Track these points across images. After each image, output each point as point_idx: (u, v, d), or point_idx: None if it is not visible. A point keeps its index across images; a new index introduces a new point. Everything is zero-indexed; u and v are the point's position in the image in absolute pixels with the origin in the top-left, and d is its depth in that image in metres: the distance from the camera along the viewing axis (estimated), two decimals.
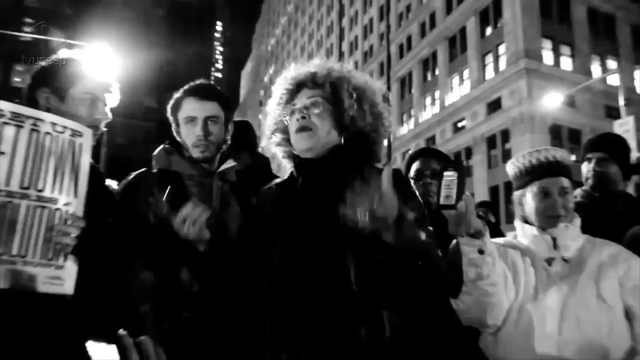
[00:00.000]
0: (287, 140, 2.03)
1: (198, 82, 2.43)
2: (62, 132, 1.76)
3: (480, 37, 37.77)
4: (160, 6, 35.35)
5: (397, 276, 1.61)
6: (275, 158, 2.49)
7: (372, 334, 1.70)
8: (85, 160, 1.82)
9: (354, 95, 1.92)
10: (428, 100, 43.58)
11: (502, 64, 35.29)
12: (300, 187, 1.93)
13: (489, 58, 36.88)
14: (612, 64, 35.72)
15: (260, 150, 3.04)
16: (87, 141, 1.84)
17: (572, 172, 2.30)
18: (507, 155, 31.74)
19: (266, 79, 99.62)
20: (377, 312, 1.76)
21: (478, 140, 36.11)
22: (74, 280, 1.74)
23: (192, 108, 2.33)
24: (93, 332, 2.01)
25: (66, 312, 1.85)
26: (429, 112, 43.16)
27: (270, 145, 2.12)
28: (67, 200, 1.75)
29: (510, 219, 24.55)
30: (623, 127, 16.24)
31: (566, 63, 35.18)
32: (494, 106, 35.30)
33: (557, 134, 32.58)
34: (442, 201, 1.84)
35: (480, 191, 33.58)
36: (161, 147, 2.42)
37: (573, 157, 2.40)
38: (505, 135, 33.84)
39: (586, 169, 3.20)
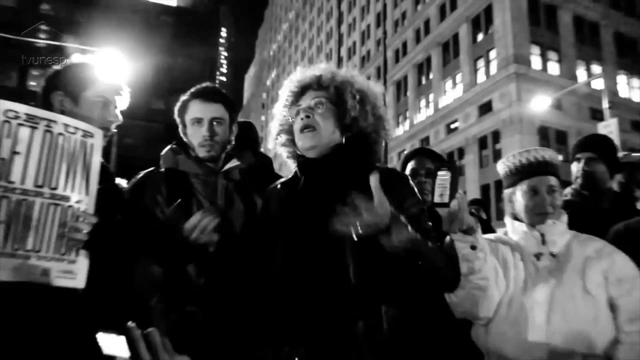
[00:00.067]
0: (291, 141, 2.03)
1: (204, 85, 2.43)
2: (74, 133, 1.76)
3: (472, 43, 37.78)
4: (167, 14, 35.30)
5: (394, 273, 1.61)
6: (277, 157, 2.50)
7: (370, 328, 1.70)
8: (96, 160, 1.82)
9: (357, 97, 1.92)
10: (422, 102, 43.56)
11: (493, 68, 35.30)
12: (303, 186, 1.93)
13: (481, 63, 36.88)
14: (596, 68, 35.79)
15: (262, 150, 3.04)
16: (98, 142, 1.84)
17: (560, 171, 2.31)
18: (497, 156, 31.80)
19: (268, 82, 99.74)
20: (375, 307, 1.76)
21: (470, 141, 36.12)
22: (85, 274, 1.74)
23: (199, 110, 2.33)
24: (103, 323, 2.01)
25: (78, 305, 1.85)
26: (424, 114, 43.15)
27: (276, 145, 2.12)
28: (79, 197, 1.75)
29: (500, 216, 24.54)
30: (607, 128, 16.24)
31: (553, 68, 35.20)
32: (485, 109, 35.30)
33: (545, 135, 32.58)
34: (436, 199, 1.84)
35: (472, 189, 33.61)
36: (168, 147, 2.42)
37: (560, 157, 2.39)
38: (496, 136, 33.84)
39: (575, 168, 3.22)
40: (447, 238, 1.98)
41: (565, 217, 2.22)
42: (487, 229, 3.18)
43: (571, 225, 2.26)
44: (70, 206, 1.72)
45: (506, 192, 2.35)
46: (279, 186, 2.06)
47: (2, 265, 1.57)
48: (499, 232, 2.45)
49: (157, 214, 2.20)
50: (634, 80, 38.45)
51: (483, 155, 35.31)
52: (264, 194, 2.14)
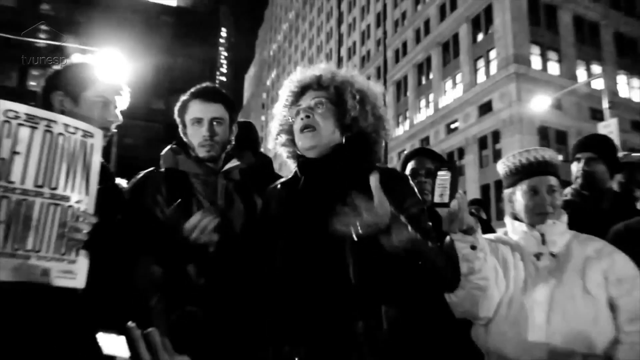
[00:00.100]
0: (291, 141, 2.02)
1: (204, 85, 2.43)
2: (74, 133, 1.76)
3: (472, 43, 37.77)
4: (167, 14, 35.30)
5: (394, 273, 1.61)
6: (277, 157, 2.49)
7: (370, 328, 1.70)
8: (96, 160, 1.82)
9: (357, 97, 1.91)
10: (422, 102, 43.57)
11: (493, 68, 35.30)
12: (303, 185, 1.92)
13: (481, 63, 36.88)
14: (596, 68, 35.78)
15: (262, 150, 3.04)
16: (97, 142, 1.84)
17: (560, 171, 2.31)
18: (497, 156, 31.79)
19: (268, 82, 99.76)
20: (375, 307, 1.76)
21: (470, 141, 36.12)
22: (85, 274, 1.75)
23: (199, 110, 2.33)
24: (103, 323, 2.00)
25: (78, 305, 1.85)
26: (424, 114, 43.15)
27: (276, 145, 2.12)
28: (79, 197, 1.75)
29: (500, 216, 24.52)
30: (607, 128, 16.24)
31: (553, 68, 35.19)
32: (485, 108, 35.30)
33: (545, 135, 32.58)
34: (436, 199, 1.84)
35: (472, 189, 33.62)
36: (168, 147, 2.42)
37: (560, 157, 2.40)
38: (496, 136, 33.84)
39: (576, 168, 3.23)
40: (447, 238, 1.98)
41: (565, 217, 2.22)
42: (487, 229, 3.19)
43: (571, 225, 2.26)
44: (70, 206, 1.72)
45: (506, 192, 2.35)
46: (279, 186, 2.06)
47: (2, 265, 1.57)
48: (499, 232, 2.45)
49: (157, 214, 2.20)
50: (634, 80, 38.44)
51: (483, 155, 35.31)
52: (264, 193, 2.14)
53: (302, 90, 2.00)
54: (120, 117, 2.19)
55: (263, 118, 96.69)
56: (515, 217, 2.31)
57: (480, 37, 37.21)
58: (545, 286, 2.06)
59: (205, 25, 36.94)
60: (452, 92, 39.60)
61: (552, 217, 2.17)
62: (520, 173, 2.26)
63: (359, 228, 1.50)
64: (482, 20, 36.85)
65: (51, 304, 1.77)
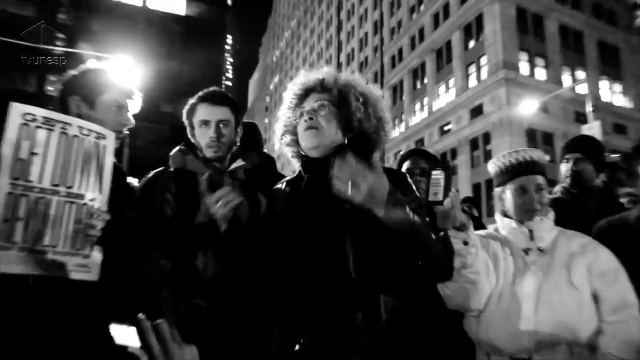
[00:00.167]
0: (296, 142, 2.02)
1: (211, 89, 2.42)
2: (88, 135, 1.77)
3: (464, 50, 37.74)
4: (177, 22, 35.27)
5: (391, 257, 1.59)
6: (279, 157, 2.48)
7: (369, 318, 1.69)
8: (109, 160, 1.82)
9: (361, 99, 1.90)
10: (417, 106, 43.53)
11: (484, 73, 35.26)
12: (306, 184, 1.92)
13: (472, 68, 36.84)
14: (580, 74, 35.71)
15: (265, 150, 3.03)
16: (110, 143, 1.84)
17: (547, 170, 2.31)
18: (488, 156, 31.78)
19: (272, 86, 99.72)
20: (373, 298, 1.75)
21: (462, 142, 36.11)
22: (99, 268, 1.75)
23: (206, 112, 2.32)
24: (116, 315, 2.01)
25: (92, 297, 1.85)
26: (418, 116, 43.12)
27: (281, 145, 2.11)
28: (93, 196, 1.75)
29: (491, 213, 24.61)
30: (590, 130, 16.20)
31: (540, 73, 35.17)
32: (477, 112, 35.27)
33: (533, 136, 32.56)
34: (430, 198, 1.84)
35: (464, 188, 33.59)
36: (177, 148, 2.41)
37: (547, 158, 2.40)
38: (487, 137, 33.82)
39: (565, 168, 3.27)
40: (440, 234, 1.98)
41: (552, 214, 2.23)
42: (479, 225, 3.19)
43: (561, 221, 2.26)
44: (84, 204, 1.73)
45: (496, 190, 2.35)
46: (284, 185, 2.06)
47: (22, 260, 1.57)
48: (490, 229, 2.45)
49: (166, 210, 2.20)
50: (616, 85, 38.49)
51: (474, 156, 35.28)
52: (270, 192, 2.14)
53: (306, 92, 1.99)
54: (133, 120, 2.19)
55: (266, 120, 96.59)
56: (505, 214, 2.31)
57: (471, 44, 37.19)
58: (533, 279, 2.06)
59: (212, 33, 36.89)
60: (445, 96, 39.56)
61: (540, 214, 2.17)
62: (509, 172, 2.26)
63: (358, 191, 1.47)
64: (474, 29, 36.84)
65: (67, 296, 1.77)
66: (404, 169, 3.13)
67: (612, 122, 34.87)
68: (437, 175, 1.83)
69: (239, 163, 2.40)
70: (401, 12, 47.30)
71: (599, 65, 37.68)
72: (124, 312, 1.93)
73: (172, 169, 2.35)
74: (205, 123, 2.31)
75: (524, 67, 34.43)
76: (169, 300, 2.11)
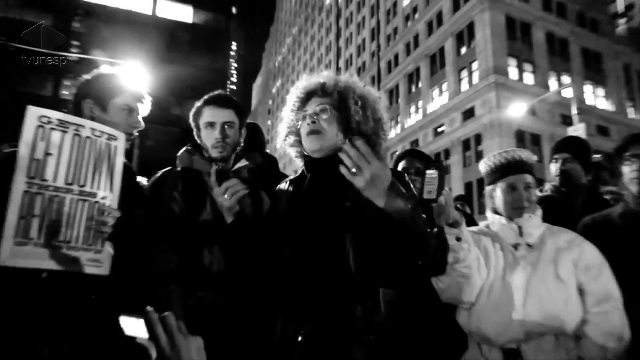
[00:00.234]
0: (299, 142, 2.01)
1: (216, 92, 2.42)
2: (100, 137, 1.77)
3: (457, 56, 37.74)
4: (184, 30, 35.23)
5: (390, 256, 1.57)
6: (281, 158, 2.48)
7: (368, 311, 1.69)
8: (119, 160, 1.82)
9: (359, 102, 1.89)
10: (412, 109, 43.54)
11: (475, 78, 35.26)
12: (309, 183, 1.91)
13: (464, 73, 36.84)
14: (566, 79, 35.82)
15: (268, 150, 3.03)
16: (121, 144, 1.84)
17: (535, 170, 2.30)
18: (479, 156, 31.82)
19: (274, 90, 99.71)
20: (372, 292, 1.75)
21: (455, 143, 36.12)
22: (110, 262, 1.75)
23: (212, 114, 2.32)
24: (125, 307, 2.00)
25: (103, 291, 1.85)
26: (413, 119, 43.12)
27: (284, 146, 2.10)
28: (104, 194, 1.76)
29: (482, 210, 24.62)
30: (576, 132, 16.20)
31: (528, 78, 35.19)
32: (468, 114, 35.29)
33: (522, 138, 32.58)
34: (425, 196, 1.83)
35: (457, 187, 33.61)
36: (184, 148, 2.41)
37: (535, 158, 2.40)
38: (478, 139, 33.83)
39: (554, 167, 3.28)
40: (435, 230, 1.97)
41: (539, 211, 2.22)
42: (471, 222, 3.19)
43: (551, 217, 2.26)
44: (96, 202, 1.73)
45: (487, 188, 2.35)
46: (287, 183, 2.05)
47: (37, 255, 1.58)
48: (481, 225, 2.45)
49: (174, 208, 2.20)
50: (599, 89, 38.59)
51: (466, 156, 35.28)
52: (274, 191, 2.13)
53: (308, 96, 1.98)
54: (142, 122, 2.18)
55: (269, 122, 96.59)
56: (496, 211, 2.30)
57: (463, 50, 37.20)
58: (522, 273, 2.06)
59: (217, 40, 36.86)
60: (438, 100, 39.56)
61: (528, 211, 2.17)
62: (499, 171, 2.25)
63: (363, 177, 1.44)
64: (465, 36, 36.85)
65: (79, 289, 1.77)
66: (399, 168, 3.12)
67: (595, 124, 34.95)
68: (431, 174, 1.83)
69: (242, 163, 2.40)
70: (397, 19, 47.31)
71: (583, 71, 37.79)
72: (133, 305, 1.93)
73: (179, 169, 2.35)
74: (211, 125, 2.31)
75: (513, 72, 34.45)
76: (176, 293, 2.10)
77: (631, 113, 39.94)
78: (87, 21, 32.49)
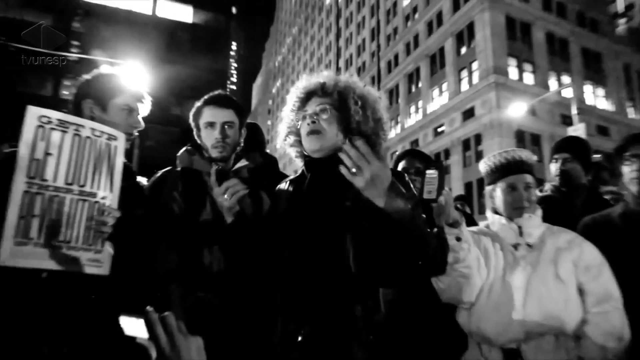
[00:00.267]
0: (299, 142, 2.00)
1: (216, 92, 2.42)
2: (100, 137, 1.77)
3: (456, 56, 37.74)
4: (184, 30, 35.22)
5: (390, 256, 1.57)
6: (281, 158, 2.47)
7: (368, 310, 1.69)
8: (119, 160, 1.82)
9: (359, 102, 1.89)
10: (412, 109, 43.53)
11: (475, 78, 35.25)
12: (309, 182, 1.91)
13: (464, 73, 36.84)
14: (566, 79, 35.83)
15: (268, 150, 3.03)
16: (121, 144, 1.84)
17: (535, 170, 2.30)
18: (479, 156, 31.81)
19: (274, 90, 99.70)
20: (372, 291, 1.75)
21: (455, 143, 36.11)
22: (110, 262, 1.75)
23: (212, 114, 2.32)
24: (125, 307, 2.00)
25: (103, 291, 1.85)
26: (413, 119, 43.11)
27: (284, 146, 2.10)
28: (104, 194, 1.75)
29: (482, 210, 24.62)
30: (576, 132, 16.19)
31: (528, 78, 35.18)
32: (468, 114, 35.28)
33: (521, 138, 32.57)
34: (425, 196, 1.83)
35: (457, 187, 33.60)
36: (184, 148, 2.41)
37: (535, 158, 2.40)
38: (478, 139, 33.82)
39: (554, 167, 3.28)
40: (435, 230, 1.97)
41: (539, 211, 2.22)
42: (471, 222, 3.19)
43: (551, 217, 2.26)
44: (96, 202, 1.73)
45: (487, 188, 2.34)
46: (287, 183, 2.05)
47: (38, 255, 1.58)
48: (481, 225, 2.44)
49: (173, 207, 2.20)
50: (599, 89, 38.59)
51: (466, 156, 35.28)
52: (274, 191, 2.13)
53: (308, 96, 1.97)
54: (142, 123, 2.18)
55: (269, 122, 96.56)
56: (496, 211, 2.30)
57: (463, 50, 37.19)
58: (522, 273, 2.06)
59: (217, 40, 36.86)
60: (438, 99, 39.56)
61: (528, 211, 2.17)
62: (499, 171, 2.25)
63: (363, 177, 1.44)
64: (465, 36, 36.84)
65: (80, 289, 1.77)
66: (399, 168, 3.12)
67: (595, 124, 34.95)
68: (431, 174, 1.83)
69: (242, 163, 2.40)
70: (397, 19, 47.30)
71: (583, 71, 37.78)
72: (133, 305, 1.93)
73: (179, 169, 2.35)
74: (211, 125, 2.31)
75: (513, 72, 34.45)
76: (176, 293, 2.10)
77: (631, 113, 39.93)
78: (87, 21, 32.50)
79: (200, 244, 2.13)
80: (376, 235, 1.50)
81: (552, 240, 2.14)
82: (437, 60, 40.23)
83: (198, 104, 2.39)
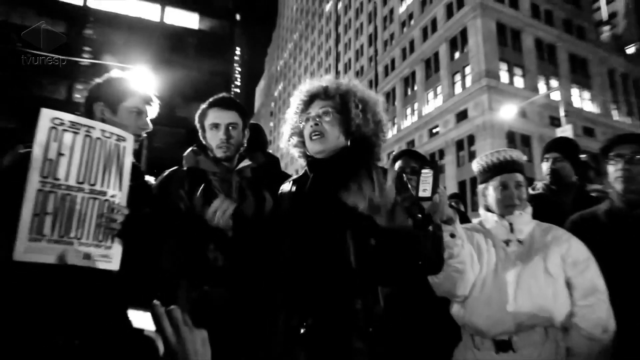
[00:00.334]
0: (302, 143, 2.00)
1: (220, 95, 2.42)
2: (109, 138, 1.77)
3: (450, 60, 37.75)
4: (190, 35, 35.26)
5: (388, 255, 1.58)
6: (283, 158, 2.47)
7: (367, 304, 1.69)
8: (128, 160, 1.83)
9: (360, 106, 1.89)
10: (408, 111, 43.52)
11: (468, 81, 35.26)
12: (311, 182, 1.91)
13: (458, 77, 36.85)
14: (554, 82, 35.95)
15: (270, 151, 3.02)
16: (129, 145, 1.84)
17: (525, 169, 2.30)
18: (472, 156, 31.83)
19: (276, 93, 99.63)
20: (372, 287, 1.74)
21: (449, 143, 36.13)
22: (119, 258, 1.75)
23: (216, 116, 2.31)
24: (134, 301, 2.00)
25: (112, 285, 1.85)
26: (409, 120, 43.12)
27: (288, 146, 2.10)
28: (114, 192, 1.76)
29: (475, 207, 24.56)
30: (564, 133, 16.15)
31: (518, 81, 35.21)
32: (462, 116, 35.29)
33: (512, 138, 32.58)
34: (420, 194, 1.82)
35: (451, 185, 33.62)
36: (190, 149, 2.40)
37: (525, 157, 2.41)
38: (471, 139, 33.83)
39: (545, 166, 3.30)
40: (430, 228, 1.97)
41: (530, 209, 2.22)
42: (464, 219, 3.18)
43: (542, 214, 2.25)
44: (106, 200, 1.73)
45: (480, 187, 2.34)
46: (291, 182, 2.05)
47: (51, 250, 1.58)
48: (474, 222, 2.44)
49: (180, 206, 2.19)
50: (585, 92, 38.71)
51: (460, 156, 35.28)
52: (278, 190, 2.12)
53: (311, 99, 1.97)
54: (151, 124, 2.18)
55: (271, 124, 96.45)
56: (488, 209, 2.30)
57: (457, 55, 37.20)
58: (513, 268, 2.06)
59: (222, 45, 36.86)
60: (433, 102, 39.57)
61: (519, 209, 2.16)
62: (492, 171, 2.25)
63: (365, 205, 1.46)
64: (459, 41, 36.86)
65: (90, 283, 1.77)
66: (396, 168, 3.12)
67: (582, 126, 35.09)
68: (427, 173, 1.82)
69: (246, 162, 2.39)
70: (393, 26, 47.32)
71: (570, 75, 37.90)
72: (141, 299, 1.92)
73: (185, 168, 2.34)
74: (216, 126, 2.31)
75: (504, 76, 34.49)
76: (182, 288, 2.10)
77: (615, 115, 40.02)
78: (99, 28, 32.51)
79: (205, 240, 2.13)
80: (379, 249, 1.53)
81: (542, 236, 2.14)
82: (431, 65, 40.23)
83: (203, 106, 2.39)
